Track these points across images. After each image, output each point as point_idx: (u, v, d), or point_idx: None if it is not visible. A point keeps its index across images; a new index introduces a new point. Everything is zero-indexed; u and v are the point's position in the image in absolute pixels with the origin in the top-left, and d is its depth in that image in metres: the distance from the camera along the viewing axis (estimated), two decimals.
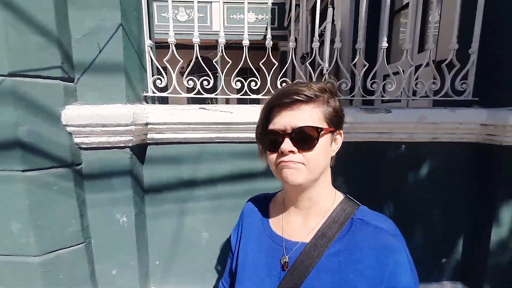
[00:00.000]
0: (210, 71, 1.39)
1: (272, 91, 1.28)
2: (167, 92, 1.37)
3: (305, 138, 0.55)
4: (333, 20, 4.28)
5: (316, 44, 1.36)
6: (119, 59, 1.13)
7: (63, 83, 1.06)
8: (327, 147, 0.60)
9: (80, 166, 1.17)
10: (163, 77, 1.34)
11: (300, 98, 0.55)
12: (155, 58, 1.35)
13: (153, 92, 1.34)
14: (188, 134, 1.28)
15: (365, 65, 1.38)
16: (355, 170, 1.37)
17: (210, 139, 1.30)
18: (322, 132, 0.57)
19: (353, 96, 1.42)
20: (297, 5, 6.44)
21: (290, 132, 0.56)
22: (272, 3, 7.94)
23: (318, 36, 1.36)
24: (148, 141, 1.29)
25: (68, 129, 1.10)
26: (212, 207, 1.36)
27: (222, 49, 1.32)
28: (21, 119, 0.98)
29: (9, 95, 0.95)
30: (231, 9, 7.85)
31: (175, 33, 1.31)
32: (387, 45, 1.37)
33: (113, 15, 1.09)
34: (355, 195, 0.67)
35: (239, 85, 1.37)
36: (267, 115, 0.61)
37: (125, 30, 1.13)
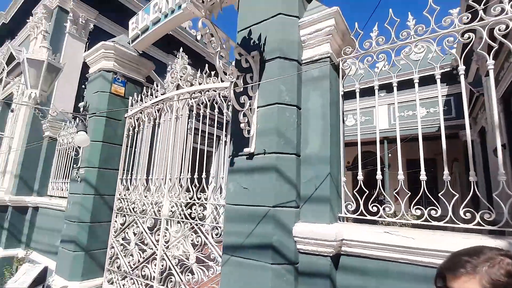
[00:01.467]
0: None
1: (454, 219, 1.42)
2: (356, 214, 1.82)
3: None
4: None
5: None
6: (326, 194, 1.74)
7: (294, 210, 1.77)
8: None
9: (297, 265, 1.74)
10: (353, 202, 1.83)
11: (458, 273, 0.67)
12: (347, 190, 1.89)
13: (345, 214, 1.84)
14: (374, 251, 1.61)
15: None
16: None
17: (394, 258, 1.55)
18: None
19: None
20: (481, 94, 5.92)
21: None
22: (447, 95, 7.81)
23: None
24: (341, 253, 1.71)
25: (295, 239, 1.73)
26: None
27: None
28: (274, 232, 1.71)
29: (271, 218, 1.72)
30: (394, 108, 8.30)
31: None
32: None
33: (325, 168, 1.76)
34: None
35: (419, 212, 1.61)
36: (440, 274, 0.74)
37: (331, 175, 1.76)
